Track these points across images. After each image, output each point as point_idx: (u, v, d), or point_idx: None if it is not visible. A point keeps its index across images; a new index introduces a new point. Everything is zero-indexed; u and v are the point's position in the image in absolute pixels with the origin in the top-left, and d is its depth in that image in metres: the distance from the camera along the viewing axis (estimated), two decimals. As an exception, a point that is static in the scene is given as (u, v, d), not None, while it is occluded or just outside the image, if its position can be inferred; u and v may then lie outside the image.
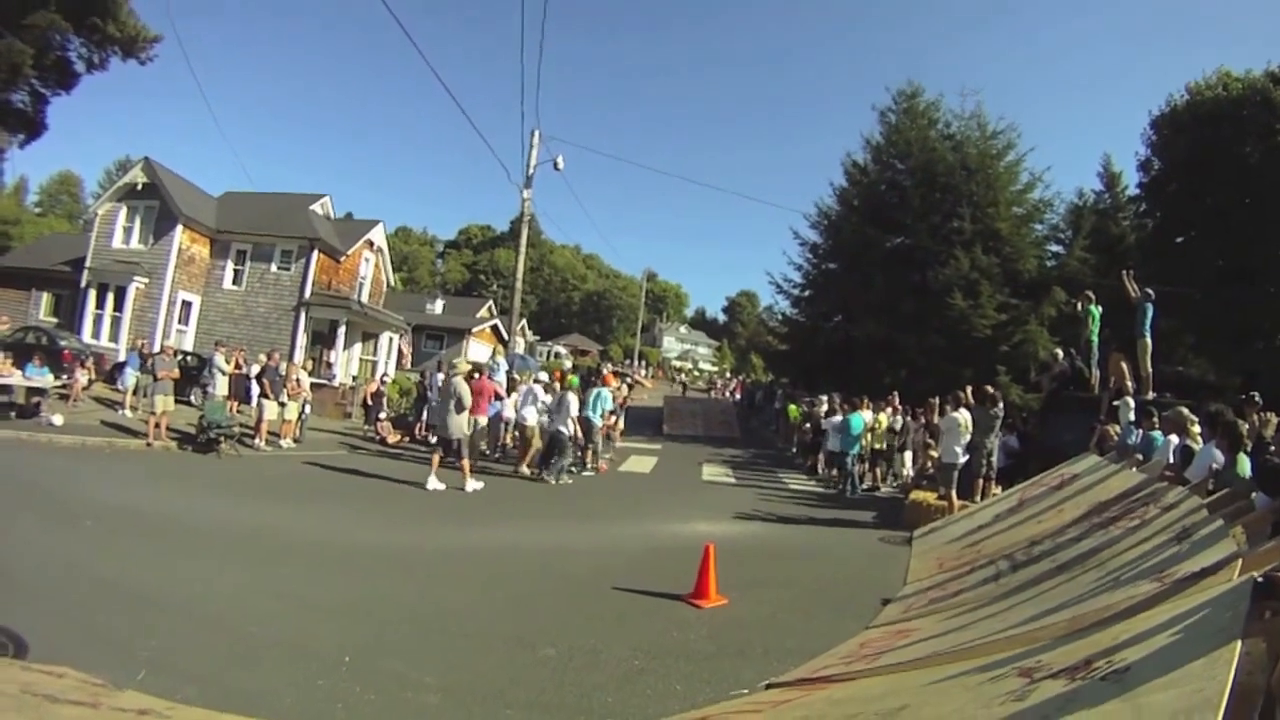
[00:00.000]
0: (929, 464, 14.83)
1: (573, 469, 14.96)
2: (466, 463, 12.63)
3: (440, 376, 16.91)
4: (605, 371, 20.86)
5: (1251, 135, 25.26)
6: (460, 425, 12.68)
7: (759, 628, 6.35)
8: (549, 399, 15.43)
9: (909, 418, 17.54)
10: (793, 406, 24.95)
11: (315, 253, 28.04)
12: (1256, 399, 10.56)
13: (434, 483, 12.22)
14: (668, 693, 4.85)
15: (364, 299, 31.49)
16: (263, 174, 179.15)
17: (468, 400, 12.83)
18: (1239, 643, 2.16)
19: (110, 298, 26.11)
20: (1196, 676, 2.04)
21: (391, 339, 33.41)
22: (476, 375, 16.07)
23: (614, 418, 17.34)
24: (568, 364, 35.88)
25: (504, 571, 7.90)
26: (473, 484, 12.43)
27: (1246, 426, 8.36)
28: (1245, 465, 6.32)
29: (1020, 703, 2.38)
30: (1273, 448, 7.31)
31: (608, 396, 16.20)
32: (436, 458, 12.72)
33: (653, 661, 5.38)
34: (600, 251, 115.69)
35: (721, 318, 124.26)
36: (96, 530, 7.74)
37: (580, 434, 14.95)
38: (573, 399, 14.67)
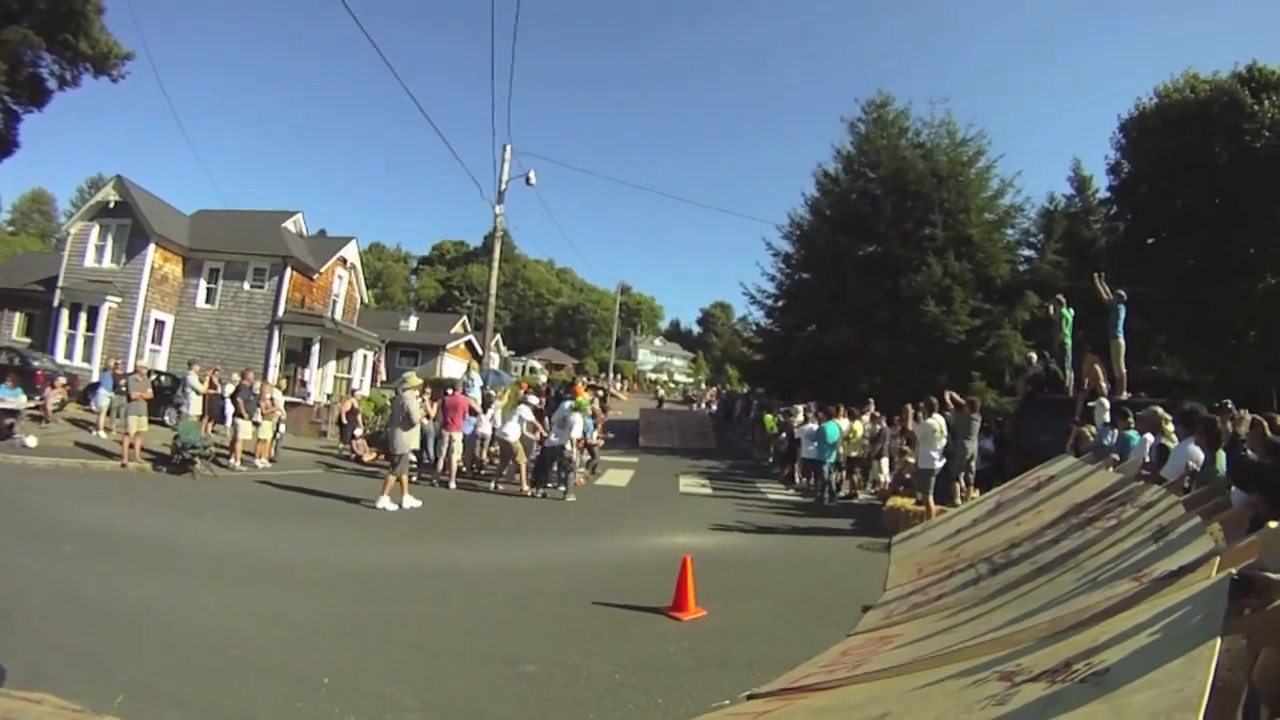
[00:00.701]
0: (906, 470, 14.87)
1: (549, 485, 14.90)
2: (392, 479, 12.25)
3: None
4: (577, 383, 20.84)
5: (1220, 136, 25.53)
6: (406, 441, 12.51)
7: (739, 638, 6.34)
8: (532, 418, 15.31)
9: (885, 424, 17.60)
10: (769, 416, 24.98)
11: (288, 270, 27.95)
12: (1229, 406, 10.64)
13: (409, 500, 12.10)
14: (649, 706, 4.82)
15: (338, 316, 31.38)
16: (235, 192, 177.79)
17: (416, 416, 12.68)
18: (1218, 640, 2.15)
19: (83, 317, 25.87)
20: (1176, 676, 2.02)
21: (366, 356, 33.23)
22: (450, 391, 15.98)
23: (592, 435, 17.29)
24: (542, 378, 35.68)
25: (483, 588, 7.86)
26: (386, 502, 12.00)
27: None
28: (1223, 462, 6.36)
29: (1001, 707, 2.37)
30: (1247, 445, 7.35)
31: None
32: (404, 478, 12.43)
33: (634, 676, 5.35)
34: (574, 265, 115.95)
35: (696, 329, 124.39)
36: (73, 553, 7.64)
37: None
38: (578, 419, 14.65)
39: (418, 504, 12.14)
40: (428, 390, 14.71)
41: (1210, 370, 24.12)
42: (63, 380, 19.64)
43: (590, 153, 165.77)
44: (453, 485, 14.65)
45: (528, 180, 24.48)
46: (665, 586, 7.09)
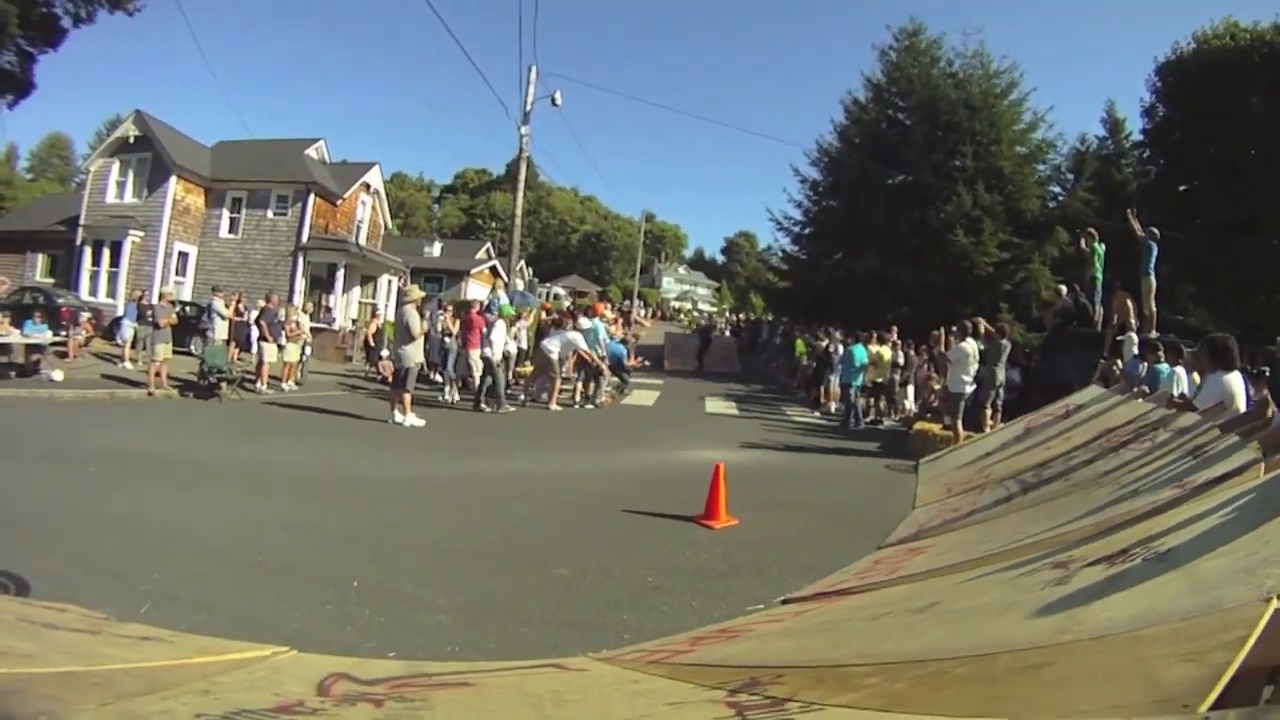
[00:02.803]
0: (932, 397, 14.82)
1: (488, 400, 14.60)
2: (408, 396, 12.36)
3: (440, 314, 16.82)
4: (598, 304, 20.90)
5: (1258, 87, 24.86)
6: (411, 354, 12.46)
7: (771, 547, 6.36)
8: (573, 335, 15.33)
9: (912, 352, 17.52)
10: (799, 341, 24.94)
11: (311, 196, 27.74)
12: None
13: (412, 419, 12.14)
14: (684, 609, 4.83)
15: (362, 241, 31.18)
16: (256, 123, 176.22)
17: (416, 329, 12.56)
18: (1281, 518, 2.12)
19: (106, 253, 25.86)
20: (1246, 547, 2.00)
21: (390, 281, 33.19)
22: (467, 310, 16.03)
23: (609, 358, 17.14)
24: (566, 304, 35.81)
25: (511, 497, 7.94)
26: (399, 416, 12.12)
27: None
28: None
29: (1063, 586, 2.35)
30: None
31: (601, 328, 16.21)
32: (407, 396, 12.44)
33: (667, 579, 5.38)
34: (598, 192, 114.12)
35: (720, 258, 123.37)
36: (100, 473, 7.67)
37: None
38: (501, 327, 14.76)
39: (421, 423, 12.16)
40: (448, 306, 14.59)
41: (1236, 324, 23.78)
42: (88, 315, 19.71)
43: (616, 80, 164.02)
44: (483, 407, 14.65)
45: (554, 101, 24.26)
46: (695, 498, 7.12)
